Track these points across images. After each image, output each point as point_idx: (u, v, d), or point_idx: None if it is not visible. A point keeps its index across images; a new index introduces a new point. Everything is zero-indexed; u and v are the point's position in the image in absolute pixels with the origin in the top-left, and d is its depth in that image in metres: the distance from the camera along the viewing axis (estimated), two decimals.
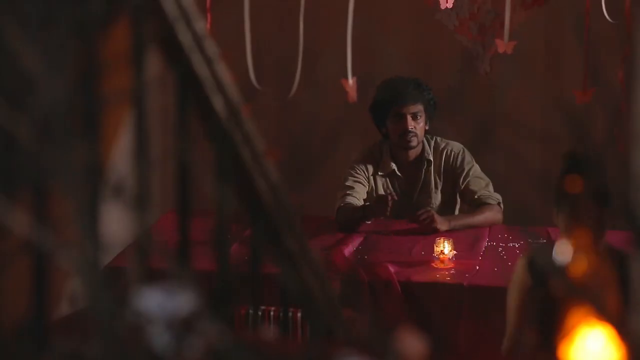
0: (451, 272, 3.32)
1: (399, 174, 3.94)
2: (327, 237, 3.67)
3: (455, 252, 3.38)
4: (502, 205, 3.86)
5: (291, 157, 4.91)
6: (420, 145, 3.94)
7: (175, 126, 1.36)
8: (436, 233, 3.66)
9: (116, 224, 1.20)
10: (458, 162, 3.94)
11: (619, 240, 2.39)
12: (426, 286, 3.23)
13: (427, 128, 3.93)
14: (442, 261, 3.36)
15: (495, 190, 3.91)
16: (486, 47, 4.65)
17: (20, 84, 1.09)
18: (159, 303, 1.09)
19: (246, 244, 1.61)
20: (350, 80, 2.63)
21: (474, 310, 3.16)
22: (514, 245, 3.57)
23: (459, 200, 4.01)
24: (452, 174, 3.94)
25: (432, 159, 3.95)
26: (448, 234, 3.55)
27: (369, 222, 3.79)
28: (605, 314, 1.32)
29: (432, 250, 3.41)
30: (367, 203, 3.85)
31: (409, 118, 3.85)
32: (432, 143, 3.99)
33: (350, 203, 3.82)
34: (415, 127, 3.86)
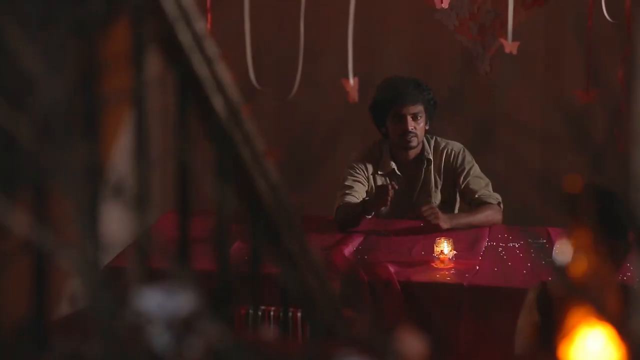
0: (451, 272, 3.32)
1: (399, 173, 3.94)
2: (327, 237, 3.67)
3: (455, 252, 3.38)
4: (501, 205, 3.86)
5: (291, 157, 4.91)
6: (420, 144, 3.94)
7: (175, 126, 1.36)
8: (438, 230, 3.66)
9: (116, 224, 1.20)
10: (458, 162, 3.94)
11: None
12: (426, 286, 3.23)
13: (427, 128, 3.93)
14: (442, 261, 3.36)
15: (495, 190, 3.91)
16: (486, 47, 4.65)
17: (20, 84, 1.09)
18: (159, 303, 1.09)
19: (246, 244, 1.61)
20: (352, 81, 2.63)
21: (474, 310, 3.16)
22: (514, 245, 3.57)
23: (458, 199, 4.01)
24: (452, 173, 3.94)
25: (432, 158, 3.95)
26: (448, 233, 3.54)
27: (369, 217, 3.78)
28: (605, 314, 1.32)
29: (432, 250, 3.41)
30: (367, 198, 3.84)
31: (409, 118, 3.85)
32: (432, 142, 3.99)
33: (349, 202, 3.83)
34: (415, 128, 3.86)
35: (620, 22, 3.39)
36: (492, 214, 3.82)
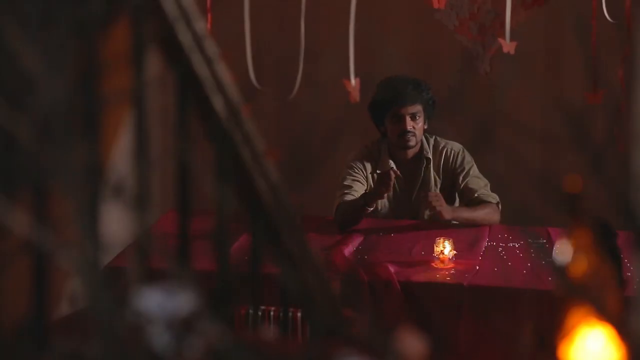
0: (451, 272, 3.32)
1: (397, 172, 3.94)
2: (327, 237, 3.67)
3: (455, 252, 3.38)
4: (500, 206, 3.87)
5: (291, 157, 4.91)
6: (419, 144, 3.94)
7: (175, 126, 1.36)
8: (438, 227, 3.67)
9: (116, 224, 1.20)
10: (458, 162, 3.95)
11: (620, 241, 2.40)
12: (426, 286, 3.23)
13: (426, 127, 3.94)
14: (442, 261, 3.36)
15: (495, 191, 3.91)
16: (486, 47, 4.65)
17: (20, 84, 1.09)
18: (159, 303, 1.09)
19: (246, 243, 1.61)
20: (353, 81, 2.63)
21: (474, 310, 3.16)
22: (514, 245, 3.57)
23: (457, 199, 4.01)
24: (451, 173, 3.94)
25: (431, 157, 3.95)
26: (448, 233, 3.54)
27: (371, 209, 3.78)
28: (605, 314, 1.32)
29: (432, 250, 3.41)
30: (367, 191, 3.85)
31: (408, 119, 3.85)
32: (432, 142, 3.99)
33: (349, 200, 3.83)
34: (413, 127, 3.86)
35: (620, 22, 3.39)
36: (491, 213, 3.82)
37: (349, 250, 3.52)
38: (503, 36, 3.16)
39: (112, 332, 1.08)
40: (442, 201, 3.70)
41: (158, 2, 1.26)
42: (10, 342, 1.16)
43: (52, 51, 1.12)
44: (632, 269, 2.88)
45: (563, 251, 1.42)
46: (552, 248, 2.23)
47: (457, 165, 3.94)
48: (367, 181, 3.93)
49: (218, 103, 1.39)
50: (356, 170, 3.93)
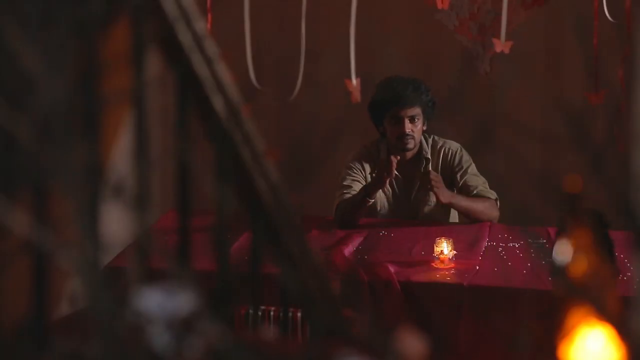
0: (451, 272, 3.32)
1: (397, 173, 3.94)
2: (327, 237, 3.67)
3: (455, 252, 3.38)
4: (498, 203, 3.87)
5: (291, 157, 4.91)
6: (418, 145, 3.94)
7: (175, 126, 1.36)
8: (438, 224, 3.69)
9: (116, 224, 1.20)
10: (456, 160, 3.95)
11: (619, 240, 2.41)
12: (426, 286, 3.23)
13: (424, 128, 3.94)
14: (442, 261, 3.36)
15: (495, 190, 3.92)
16: (486, 47, 4.65)
17: (20, 84, 1.09)
18: (159, 303, 1.09)
19: (246, 243, 1.61)
20: (354, 81, 2.63)
21: (474, 310, 3.16)
22: (514, 245, 3.57)
23: None
24: (450, 172, 3.94)
25: (430, 158, 3.95)
26: (448, 233, 3.54)
27: (372, 200, 3.78)
28: (605, 314, 1.32)
29: (432, 250, 3.41)
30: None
31: (407, 121, 3.85)
32: (430, 141, 3.99)
33: (349, 198, 3.84)
34: (412, 130, 3.86)
35: (621, 22, 3.39)
36: (489, 207, 3.83)
37: (349, 250, 3.52)
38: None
39: (112, 332, 1.08)
40: (442, 184, 3.72)
41: (158, 2, 1.26)
42: (10, 342, 1.16)
43: (52, 51, 1.12)
44: (632, 269, 2.88)
45: (563, 251, 1.42)
46: (552, 248, 2.23)
47: (455, 164, 3.94)
48: (366, 181, 3.93)
49: (218, 103, 1.39)
50: (355, 171, 3.93)
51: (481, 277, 3.26)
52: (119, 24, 1.22)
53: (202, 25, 1.33)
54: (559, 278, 1.40)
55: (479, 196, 3.86)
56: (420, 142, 3.95)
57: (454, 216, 4.02)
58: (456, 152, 3.96)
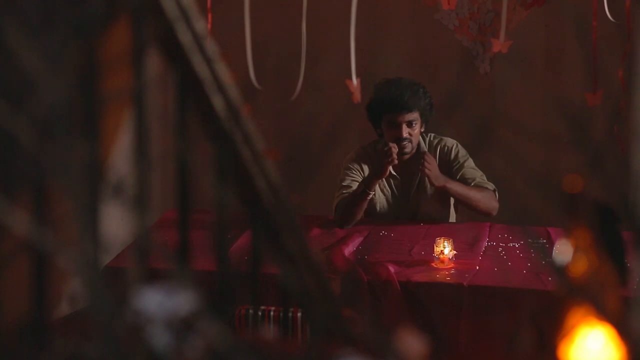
0: (451, 272, 3.32)
1: (395, 174, 3.94)
2: (327, 237, 3.67)
3: (455, 252, 3.39)
4: (497, 194, 3.86)
5: (291, 157, 4.91)
6: (415, 147, 3.94)
7: (175, 126, 1.36)
8: (438, 222, 3.70)
9: (116, 224, 1.20)
10: (452, 156, 3.95)
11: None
12: (426, 286, 3.23)
13: (422, 130, 3.93)
14: (442, 261, 3.37)
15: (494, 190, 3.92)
16: (486, 47, 4.65)
17: (20, 84, 1.09)
18: (159, 303, 1.09)
19: (246, 243, 1.61)
20: (355, 81, 2.63)
21: (474, 310, 3.16)
22: (514, 245, 3.58)
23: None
24: (447, 167, 3.94)
25: (427, 151, 3.95)
26: (448, 233, 3.54)
27: (372, 193, 3.79)
28: (605, 314, 1.32)
29: (432, 250, 3.41)
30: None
31: (404, 126, 3.83)
32: (427, 140, 3.99)
33: (348, 195, 3.84)
34: (410, 134, 3.85)
35: (621, 21, 3.39)
36: (488, 197, 3.82)
37: (349, 250, 3.52)
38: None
39: (112, 332, 1.08)
40: (435, 167, 3.72)
41: (158, 2, 1.26)
42: (10, 342, 1.16)
43: (52, 51, 1.12)
44: (632, 269, 2.87)
45: (563, 251, 1.42)
46: (552, 248, 2.22)
47: (452, 160, 3.94)
48: None
49: (218, 103, 1.39)
50: (354, 172, 3.93)
51: (481, 277, 3.26)
52: (119, 24, 1.22)
53: (202, 25, 1.33)
54: (559, 278, 1.40)
55: (478, 186, 3.86)
56: (418, 142, 3.95)
57: (454, 216, 4.02)
58: (452, 148, 3.96)
